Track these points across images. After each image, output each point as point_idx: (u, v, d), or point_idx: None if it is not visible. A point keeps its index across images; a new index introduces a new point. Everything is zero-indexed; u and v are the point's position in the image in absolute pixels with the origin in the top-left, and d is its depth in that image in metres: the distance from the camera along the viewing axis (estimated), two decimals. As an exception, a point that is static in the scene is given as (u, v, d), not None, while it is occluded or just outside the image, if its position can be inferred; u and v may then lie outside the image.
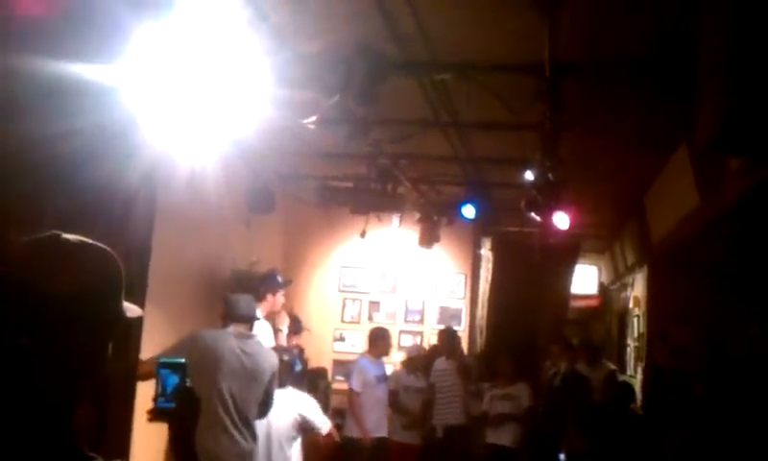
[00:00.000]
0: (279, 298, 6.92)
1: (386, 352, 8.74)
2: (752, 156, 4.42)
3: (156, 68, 3.70)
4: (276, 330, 6.92)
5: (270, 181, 7.83)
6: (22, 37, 3.51)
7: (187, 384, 1.97)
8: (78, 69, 3.50)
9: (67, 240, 1.44)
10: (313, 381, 8.75)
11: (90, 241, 1.47)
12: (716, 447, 5.56)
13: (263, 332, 6.39)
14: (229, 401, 5.21)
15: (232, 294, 5.76)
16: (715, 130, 3.67)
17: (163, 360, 2.00)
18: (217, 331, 5.47)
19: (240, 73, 3.89)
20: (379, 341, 8.63)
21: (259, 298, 6.62)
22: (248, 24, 3.84)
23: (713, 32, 3.75)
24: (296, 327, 8.33)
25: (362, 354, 8.93)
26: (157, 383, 1.96)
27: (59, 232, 1.44)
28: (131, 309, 1.54)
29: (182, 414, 1.95)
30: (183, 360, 2.04)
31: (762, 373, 6.42)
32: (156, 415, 1.96)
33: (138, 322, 5.19)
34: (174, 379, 1.96)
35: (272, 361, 5.57)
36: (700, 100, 4.03)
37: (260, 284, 6.90)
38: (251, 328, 5.59)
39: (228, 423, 5.20)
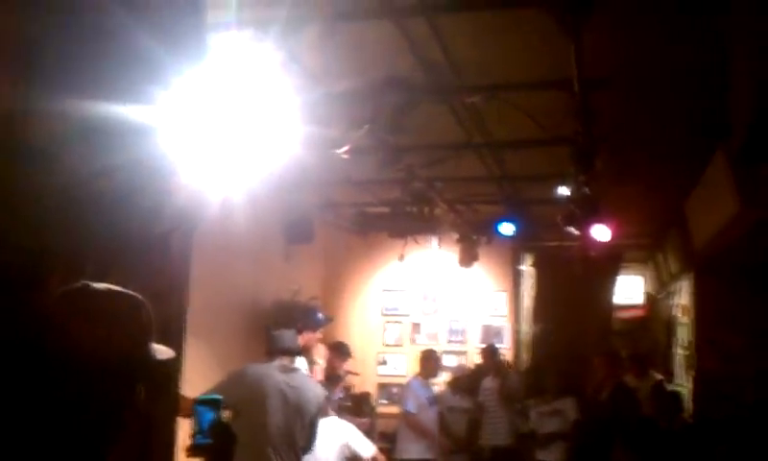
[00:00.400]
0: (317, 334, 6.93)
1: (435, 374, 8.79)
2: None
3: (193, 108, 3.77)
4: (313, 363, 6.91)
5: (307, 212, 7.89)
6: (64, 76, 3.60)
7: (224, 420, 2.00)
8: (116, 108, 3.58)
9: (95, 290, 1.50)
10: (358, 405, 8.78)
11: (118, 288, 1.53)
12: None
13: (301, 366, 6.41)
14: (276, 436, 5.23)
15: (275, 328, 5.79)
16: (746, 137, 3.65)
17: (200, 397, 2.04)
18: (262, 365, 5.51)
19: (273, 112, 3.95)
20: (429, 362, 8.67)
21: (298, 331, 6.63)
22: (281, 66, 3.90)
23: (742, 40, 3.72)
24: (343, 352, 8.31)
25: (413, 377, 8.93)
26: (195, 420, 2.00)
27: (88, 283, 1.50)
28: (162, 351, 1.58)
29: (220, 449, 1.98)
30: (220, 397, 2.07)
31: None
32: (193, 451, 1.99)
33: (175, 362, 5.25)
34: (210, 415, 1.99)
35: (317, 394, 5.59)
36: (733, 108, 4.00)
37: (300, 319, 6.90)
38: (293, 361, 5.63)
39: (274, 457, 5.22)
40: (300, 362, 6.45)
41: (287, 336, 5.61)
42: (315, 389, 5.64)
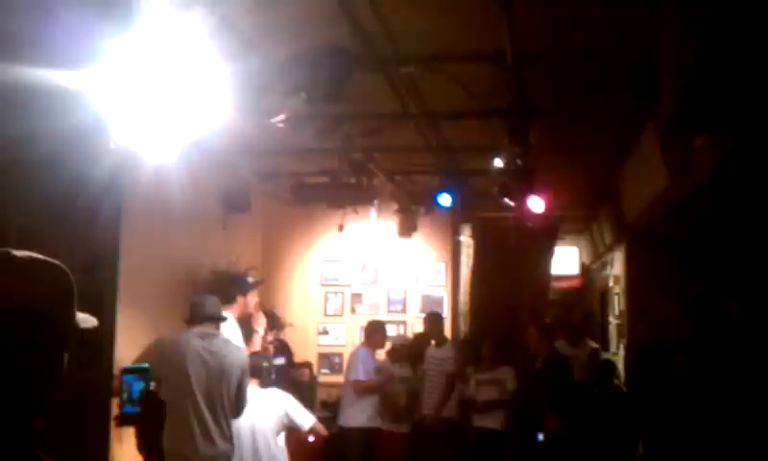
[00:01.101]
0: (251, 299, 6.90)
1: (382, 345, 8.84)
2: (710, 132, 4.49)
3: (124, 73, 3.72)
4: (253, 332, 6.90)
5: (244, 181, 7.85)
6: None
7: (151, 388, 2.01)
8: (44, 74, 3.52)
9: (17, 256, 1.50)
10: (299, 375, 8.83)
11: (40, 256, 1.53)
12: (689, 422, 5.64)
13: (232, 333, 6.39)
14: (200, 403, 5.19)
15: (196, 296, 5.72)
16: (674, 110, 3.74)
17: (126, 366, 2.04)
18: (179, 333, 5.42)
19: (206, 77, 3.91)
20: (376, 334, 8.71)
21: (230, 300, 6.61)
22: (214, 31, 3.86)
23: (671, 12, 3.81)
24: (273, 323, 8.34)
25: (360, 346, 8.97)
26: (122, 389, 2.00)
27: (8, 249, 1.49)
28: (85, 320, 1.59)
29: (148, 418, 1.99)
30: (146, 365, 2.08)
31: (739, 348, 6.52)
32: (122, 420, 2.00)
33: (107, 323, 5.22)
34: (139, 384, 2.00)
35: (240, 358, 5.53)
36: (661, 80, 4.10)
37: (230, 286, 6.89)
38: (217, 328, 5.57)
39: (199, 425, 5.18)
40: (232, 330, 6.44)
41: (208, 302, 5.52)
42: (236, 353, 5.57)
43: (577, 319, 11.58)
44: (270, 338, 7.70)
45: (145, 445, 1.98)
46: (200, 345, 5.28)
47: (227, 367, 5.32)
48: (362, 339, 9.13)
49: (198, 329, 5.37)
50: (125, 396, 2.00)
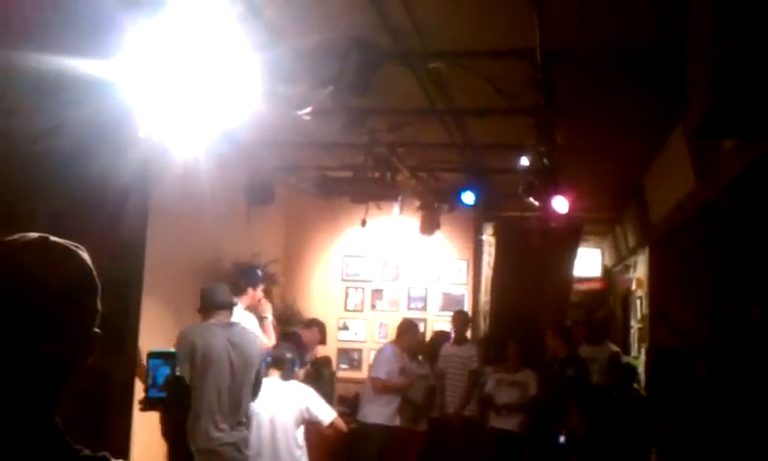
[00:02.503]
0: (259, 292, 7.00)
1: (411, 346, 8.76)
2: (740, 137, 4.44)
3: (150, 64, 3.74)
4: (261, 319, 6.98)
5: (268, 174, 7.87)
6: (16, 32, 3.55)
7: (177, 374, 2.01)
8: (72, 64, 3.54)
9: (55, 243, 1.53)
10: (318, 370, 8.83)
11: (72, 243, 1.55)
12: (707, 429, 5.58)
13: (248, 323, 6.45)
14: (223, 392, 5.28)
15: (207, 285, 5.80)
16: (703, 114, 3.70)
17: (153, 351, 2.04)
18: (202, 324, 5.51)
19: (233, 67, 3.92)
20: (406, 334, 8.67)
21: (240, 291, 6.71)
22: (241, 19, 3.87)
23: (702, 15, 3.76)
24: (322, 332, 8.49)
25: (388, 343, 8.94)
26: (148, 374, 2.00)
27: (46, 235, 1.52)
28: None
29: (174, 403, 1.99)
30: (174, 350, 2.08)
31: (762, 355, 6.45)
32: (147, 405, 2.01)
33: (132, 312, 5.27)
34: (165, 370, 1.99)
35: (258, 347, 5.66)
36: (690, 83, 4.05)
37: (240, 278, 6.99)
38: (230, 315, 5.65)
39: (219, 414, 5.27)
40: (247, 320, 6.50)
41: (219, 290, 5.62)
42: (256, 341, 5.71)
43: (599, 319, 11.52)
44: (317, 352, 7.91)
45: (170, 431, 1.97)
46: (223, 335, 5.36)
47: (249, 356, 5.43)
48: (393, 337, 9.08)
49: (215, 319, 5.44)
50: (150, 380, 2.00)
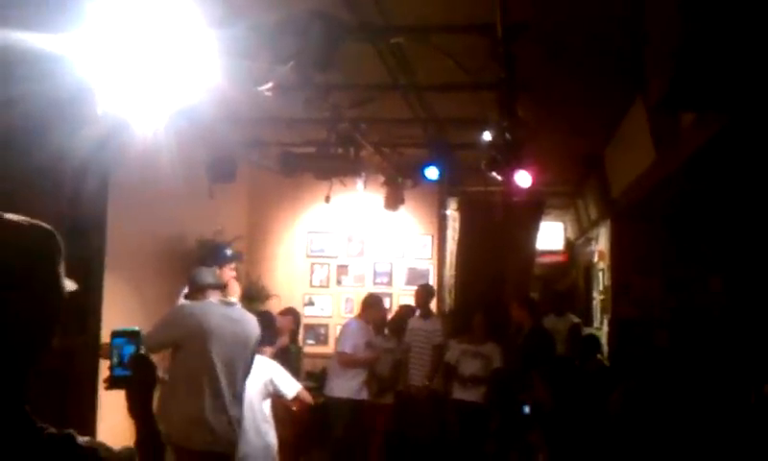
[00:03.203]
0: (227, 271, 6.95)
1: (377, 319, 8.79)
2: (700, 110, 4.50)
3: (109, 39, 3.68)
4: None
5: (230, 151, 7.81)
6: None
7: (142, 352, 2.00)
8: (27, 38, 3.47)
9: (9, 219, 1.49)
10: (284, 346, 8.82)
11: (31, 220, 1.52)
12: (662, 395, 5.68)
13: None
14: (221, 370, 5.29)
15: (195, 268, 5.80)
16: (664, 87, 3.74)
17: (117, 329, 2.02)
18: (203, 303, 5.52)
19: (192, 43, 3.87)
20: (370, 308, 8.70)
21: None
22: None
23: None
24: (297, 319, 8.52)
25: (353, 318, 8.98)
26: (112, 352, 1.99)
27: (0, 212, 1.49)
28: (68, 284, 1.58)
29: (139, 381, 1.98)
30: (137, 328, 2.07)
31: (722, 326, 6.57)
32: (112, 383, 1.99)
33: (94, 290, 5.22)
34: (129, 348, 1.98)
35: (255, 325, 5.66)
36: (650, 57, 4.09)
37: (208, 257, 6.94)
38: (226, 295, 5.68)
39: (217, 391, 5.28)
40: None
41: (209, 272, 5.64)
42: (253, 321, 5.72)
43: (563, 289, 11.65)
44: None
45: (136, 409, 1.97)
46: (223, 313, 5.37)
47: (248, 335, 5.45)
48: (358, 312, 9.11)
49: (213, 298, 5.47)
50: (115, 359, 1.99)
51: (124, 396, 1.98)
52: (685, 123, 5.30)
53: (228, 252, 7.12)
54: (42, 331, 1.51)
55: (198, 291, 5.58)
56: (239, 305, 5.76)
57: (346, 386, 8.30)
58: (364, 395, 8.45)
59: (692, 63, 3.46)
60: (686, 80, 3.56)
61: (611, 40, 5.07)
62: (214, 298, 5.52)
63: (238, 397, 5.45)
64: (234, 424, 5.41)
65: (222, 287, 5.72)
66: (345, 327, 8.82)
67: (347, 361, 8.36)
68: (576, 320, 10.07)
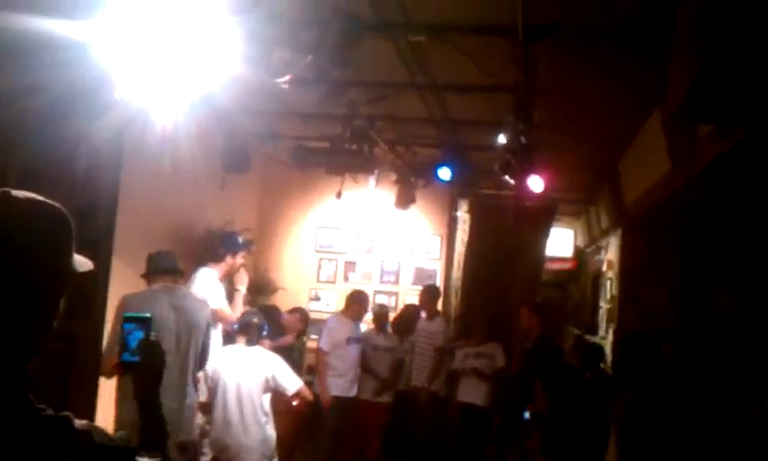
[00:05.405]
0: (239, 259, 6.93)
1: (360, 316, 8.74)
2: (719, 123, 4.46)
3: (129, 26, 3.67)
4: (234, 291, 6.92)
5: (245, 141, 7.81)
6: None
7: (152, 338, 2.00)
8: (49, 26, 3.48)
9: (16, 196, 1.48)
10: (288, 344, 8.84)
11: (39, 198, 1.51)
12: (666, 405, 5.64)
13: (215, 292, 6.40)
14: (170, 360, 5.20)
15: (152, 251, 5.70)
16: (683, 98, 3.71)
17: (128, 314, 2.03)
18: (145, 291, 5.42)
19: (212, 31, 3.87)
20: (354, 304, 8.66)
21: (218, 259, 6.65)
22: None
23: (688, 2, 3.77)
24: (305, 318, 8.61)
25: (334, 314, 8.98)
26: (122, 338, 1.99)
27: (8, 189, 1.48)
28: (81, 263, 1.57)
29: (147, 367, 1.98)
30: (148, 314, 2.06)
31: (729, 342, 6.54)
32: (121, 368, 2.00)
33: (101, 274, 5.21)
34: (138, 334, 1.99)
35: (205, 311, 5.57)
36: (672, 68, 4.06)
37: (220, 245, 6.91)
38: (175, 281, 5.57)
39: (168, 378, 5.20)
40: (208, 284, 6.45)
41: (164, 256, 5.52)
42: (203, 306, 5.62)
43: (573, 303, 11.61)
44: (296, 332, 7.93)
45: (143, 394, 1.97)
46: (166, 301, 5.28)
47: (194, 322, 5.35)
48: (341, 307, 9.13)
49: (160, 284, 5.37)
50: (124, 344, 1.99)
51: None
52: (702, 136, 5.27)
53: (241, 240, 7.10)
54: (46, 309, 1.50)
55: (151, 274, 5.45)
56: (184, 290, 5.64)
57: (332, 384, 8.28)
58: (354, 392, 8.44)
59: (713, 73, 3.43)
60: (706, 90, 3.53)
61: (632, 47, 5.04)
62: (158, 285, 5.40)
63: (188, 386, 5.35)
64: (187, 414, 5.31)
65: (177, 273, 5.62)
66: (324, 323, 8.79)
67: (318, 360, 8.38)
68: (576, 332, 10.05)
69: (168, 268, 5.45)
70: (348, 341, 8.42)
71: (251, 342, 6.34)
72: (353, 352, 8.46)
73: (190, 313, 5.35)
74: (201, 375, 5.76)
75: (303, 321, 8.48)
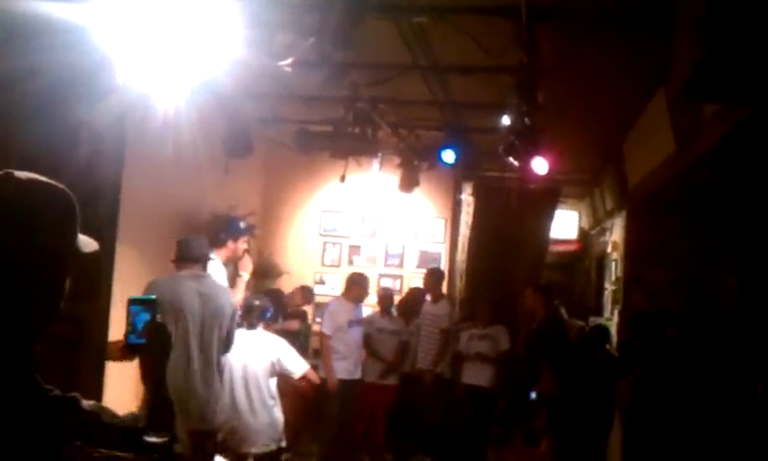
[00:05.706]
0: (241, 244, 6.90)
1: (360, 298, 8.72)
2: (723, 102, 4.44)
3: (130, 9, 3.66)
4: (237, 276, 6.90)
5: (248, 125, 7.79)
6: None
7: (158, 320, 2.00)
8: (49, 8, 3.46)
9: (18, 177, 1.47)
10: (294, 322, 8.87)
11: (42, 178, 1.51)
12: (671, 386, 5.65)
13: (218, 276, 6.41)
14: (193, 345, 5.22)
15: (183, 236, 5.71)
16: (688, 77, 3.69)
17: (133, 297, 2.02)
18: (173, 276, 5.43)
19: (214, 14, 3.85)
20: (354, 286, 8.65)
21: (220, 244, 6.64)
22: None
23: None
24: (307, 296, 8.55)
25: (335, 298, 9.00)
26: (128, 320, 1.99)
27: (10, 170, 1.47)
28: (87, 243, 1.56)
29: (154, 349, 1.98)
30: (154, 297, 2.06)
31: (735, 322, 6.52)
32: (127, 351, 2.00)
33: (106, 259, 5.21)
34: (145, 316, 1.99)
35: (230, 300, 5.59)
36: (676, 47, 4.04)
37: (222, 230, 6.89)
38: (204, 268, 5.59)
39: (190, 366, 5.21)
40: (217, 271, 6.46)
41: (194, 243, 5.53)
42: (227, 294, 5.64)
43: (579, 285, 11.56)
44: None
45: (149, 376, 1.97)
46: (193, 286, 5.29)
47: (219, 309, 5.36)
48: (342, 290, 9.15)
49: (187, 271, 5.38)
50: (130, 327, 1.99)
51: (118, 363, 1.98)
52: (706, 116, 5.24)
53: (242, 224, 7.09)
54: (51, 290, 1.50)
55: (181, 261, 5.45)
56: (212, 278, 5.66)
57: (338, 367, 8.29)
58: (358, 375, 8.46)
59: (718, 51, 3.41)
60: (711, 68, 3.51)
61: (635, 27, 5.01)
62: (185, 272, 5.42)
63: (216, 371, 5.38)
64: (212, 403, 5.34)
65: (206, 260, 5.63)
66: (325, 307, 8.82)
67: (323, 344, 8.43)
68: (580, 323, 10.03)
69: (196, 256, 5.47)
70: (350, 324, 8.43)
71: (251, 326, 6.35)
72: (356, 335, 8.48)
73: (215, 300, 5.38)
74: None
75: (303, 297, 8.48)
